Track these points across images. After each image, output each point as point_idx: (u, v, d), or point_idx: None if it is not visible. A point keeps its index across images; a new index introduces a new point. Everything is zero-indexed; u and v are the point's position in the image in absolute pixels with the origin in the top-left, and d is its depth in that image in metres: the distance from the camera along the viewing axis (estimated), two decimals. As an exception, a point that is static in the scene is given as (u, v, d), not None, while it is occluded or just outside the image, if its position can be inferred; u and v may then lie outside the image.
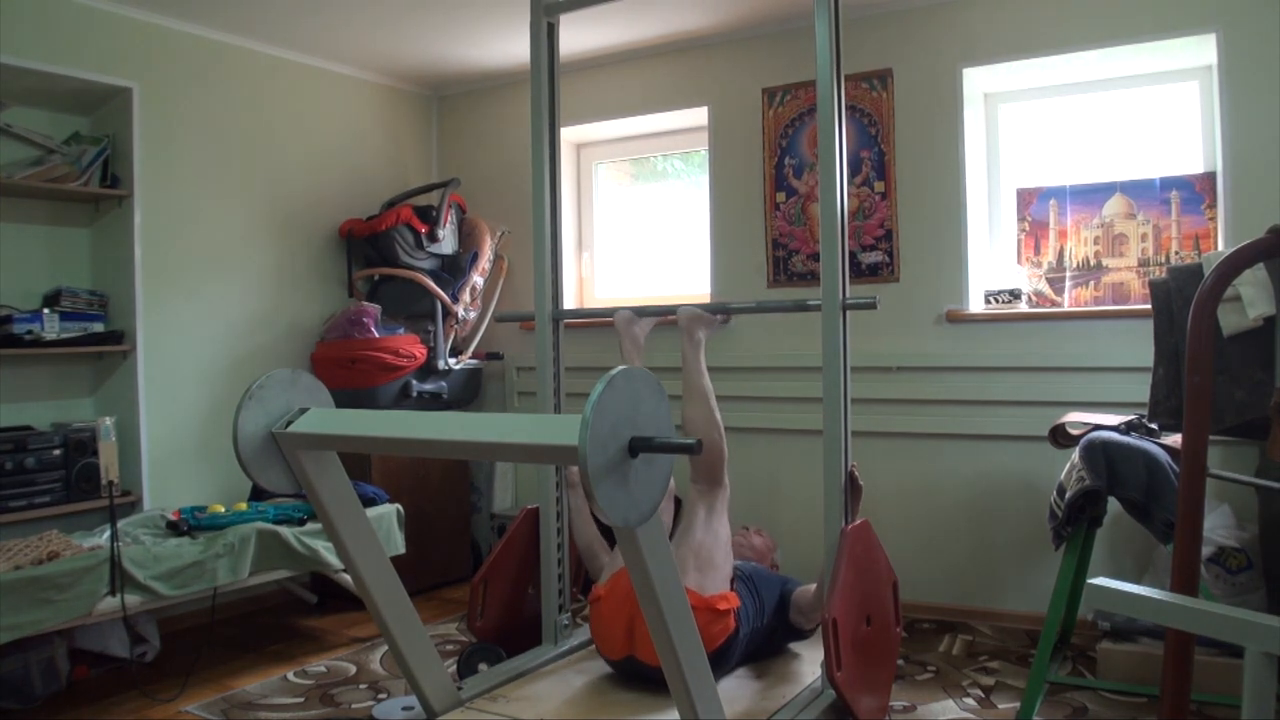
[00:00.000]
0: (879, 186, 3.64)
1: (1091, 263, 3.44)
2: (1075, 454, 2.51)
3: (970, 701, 2.71)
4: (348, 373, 3.87)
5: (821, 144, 2.22)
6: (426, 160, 4.78)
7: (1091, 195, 3.45)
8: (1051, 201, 3.51)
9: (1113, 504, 2.54)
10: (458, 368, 4.23)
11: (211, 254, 3.77)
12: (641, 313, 2.73)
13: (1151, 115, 3.42)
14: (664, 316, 2.74)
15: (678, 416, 2.33)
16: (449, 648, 3.32)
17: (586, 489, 1.38)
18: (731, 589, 2.39)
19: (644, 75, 4.18)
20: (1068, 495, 2.48)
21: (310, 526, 3.25)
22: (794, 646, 2.65)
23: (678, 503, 2.84)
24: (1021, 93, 3.61)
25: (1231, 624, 1.23)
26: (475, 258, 4.26)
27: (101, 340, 3.38)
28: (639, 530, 1.51)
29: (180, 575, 2.90)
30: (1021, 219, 3.56)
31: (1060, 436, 2.74)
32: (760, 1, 3.61)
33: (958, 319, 3.50)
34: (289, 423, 1.85)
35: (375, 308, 3.96)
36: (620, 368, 1.46)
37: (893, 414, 3.59)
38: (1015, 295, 3.45)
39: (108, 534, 2.88)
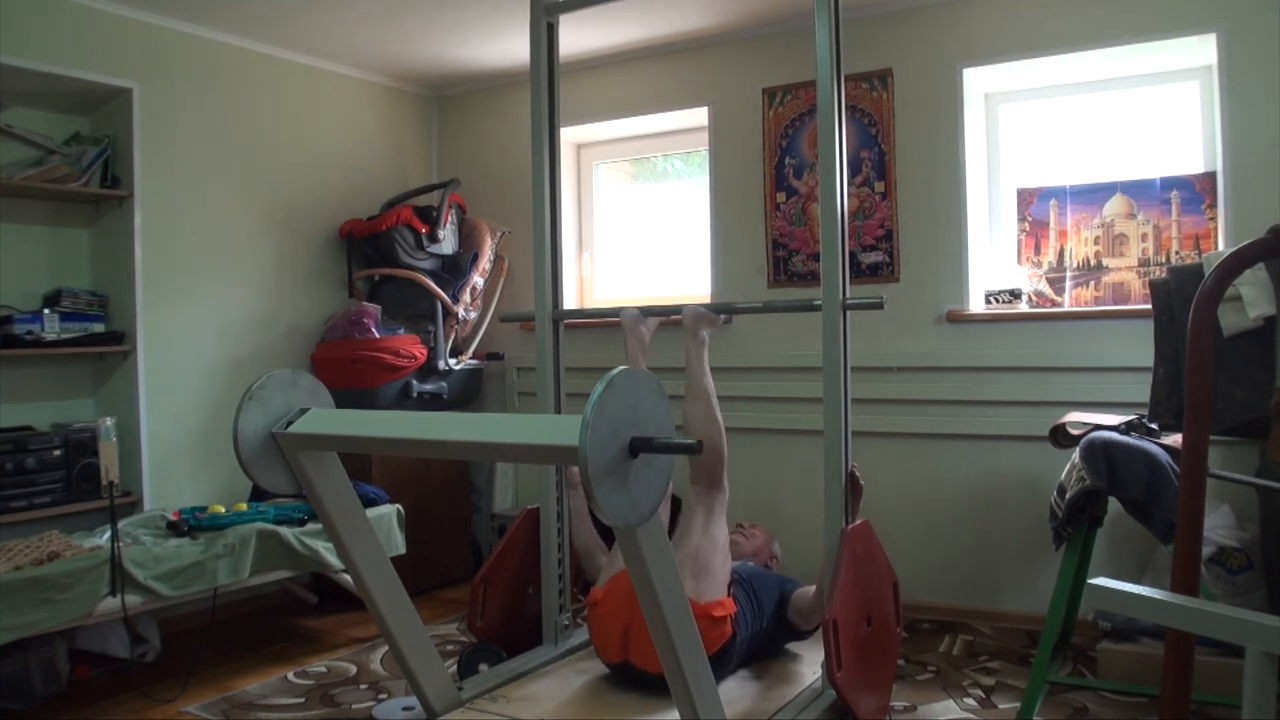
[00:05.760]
0: (879, 186, 3.64)
1: (1092, 263, 3.44)
2: (1076, 454, 2.51)
3: (970, 702, 2.71)
4: (348, 373, 3.87)
5: (821, 144, 2.22)
6: (426, 160, 4.78)
7: (1092, 195, 3.45)
8: (1052, 201, 3.51)
9: (1113, 504, 2.53)
10: (458, 368, 4.23)
11: (211, 254, 3.77)
12: (646, 313, 2.72)
13: (1151, 115, 3.42)
14: (668, 317, 2.74)
15: (678, 417, 2.34)
16: (449, 648, 3.32)
17: (587, 489, 1.38)
18: (729, 594, 2.39)
19: (644, 75, 4.18)
20: (1068, 495, 2.48)
21: (310, 527, 3.25)
22: (794, 647, 2.65)
23: (675, 501, 2.84)
24: (1021, 93, 3.61)
25: (1231, 624, 1.23)
26: (475, 258, 4.26)
27: (102, 340, 3.38)
28: (639, 531, 1.51)
29: (180, 575, 2.90)
30: (1022, 219, 3.56)
31: (1061, 436, 2.74)
32: (760, 1, 3.61)
33: (958, 319, 3.50)
34: (289, 423, 1.85)
35: (375, 308, 3.96)
36: (620, 368, 1.46)
37: (893, 414, 3.59)
38: (1015, 295, 3.45)
39: (108, 534, 2.88)
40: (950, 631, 3.36)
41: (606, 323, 4.05)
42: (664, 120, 4.24)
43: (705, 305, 2.60)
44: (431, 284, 4.08)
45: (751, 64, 3.92)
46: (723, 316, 2.65)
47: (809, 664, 2.53)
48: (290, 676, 3.07)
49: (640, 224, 4.49)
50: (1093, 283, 3.44)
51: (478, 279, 4.28)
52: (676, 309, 2.63)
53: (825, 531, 2.23)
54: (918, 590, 3.51)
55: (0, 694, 2.74)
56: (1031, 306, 3.48)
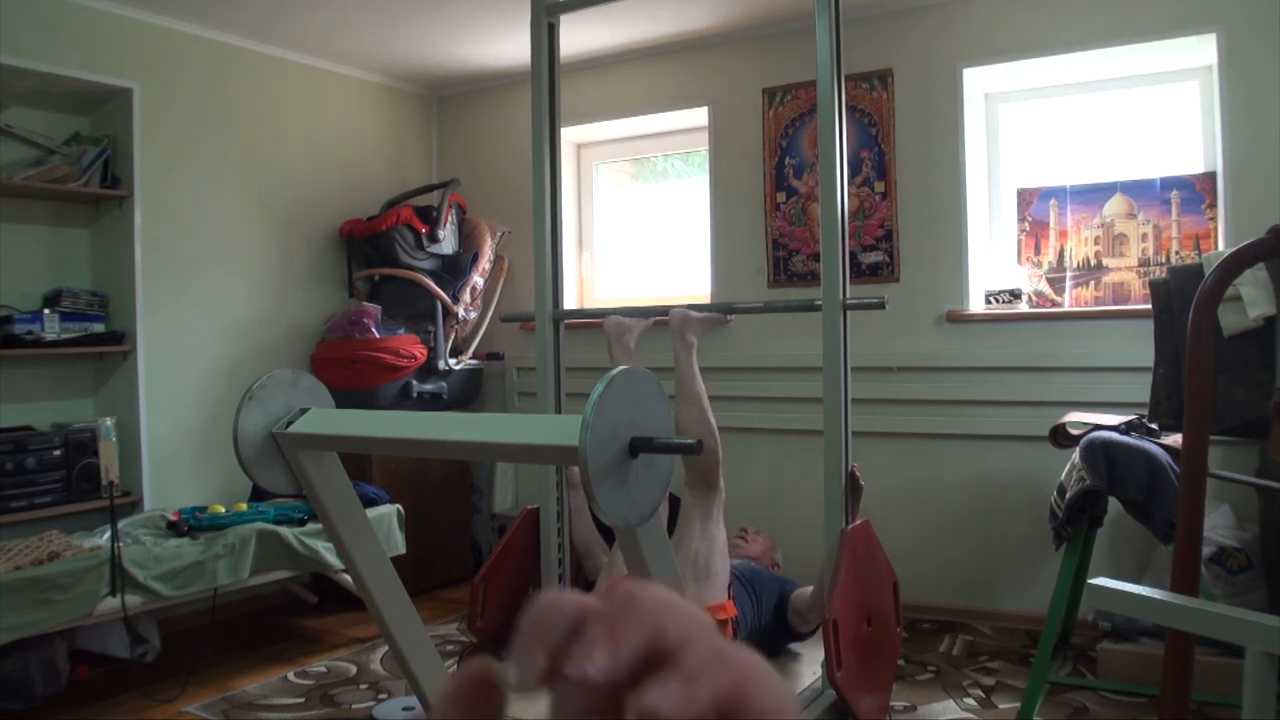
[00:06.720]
0: (879, 186, 3.64)
1: (1092, 263, 3.44)
2: (1076, 454, 2.51)
3: (970, 701, 2.71)
4: (348, 373, 3.87)
5: (822, 144, 2.22)
6: (426, 160, 4.77)
7: (1092, 195, 3.45)
8: (1052, 201, 3.51)
9: (1113, 504, 2.54)
10: (458, 368, 4.23)
11: (211, 254, 3.77)
12: (633, 314, 2.72)
13: (1151, 115, 3.42)
14: (657, 318, 2.73)
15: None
16: (449, 648, 3.32)
17: (587, 489, 1.38)
18: (729, 594, 2.39)
19: (644, 75, 4.18)
20: (1068, 495, 2.48)
21: (310, 526, 3.25)
22: (794, 646, 2.65)
23: (674, 500, 2.84)
24: (1021, 93, 3.60)
25: (1231, 624, 1.23)
26: (475, 258, 4.26)
27: (102, 340, 3.38)
28: (639, 531, 1.51)
29: (180, 575, 2.90)
30: (1022, 219, 3.56)
31: (1061, 436, 2.74)
32: (760, 1, 3.61)
33: (958, 319, 3.50)
34: (289, 423, 1.85)
35: (375, 308, 3.96)
36: (621, 368, 1.46)
37: (893, 414, 3.58)
38: (1015, 295, 3.45)
39: (108, 534, 2.87)
40: (950, 631, 3.36)
41: (606, 323, 4.05)
42: (664, 120, 4.24)
43: (701, 306, 2.60)
44: (431, 284, 4.08)
45: (751, 64, 3.91)
46: (725, 316, 2.65)
47: (809, 664, 2.53)
48: (290, 676, 3.07)
49: (640, 224, 4.49)
50: (1093, 283, 3.44)
51: (478, 279, 4.28)
52: (664, 310, 2.62)
53: (825, 531, 2.23)
54: (918, 590, 3.51)
55: (0, 694, 2.74)
56: (1031, 306, 3.48)
